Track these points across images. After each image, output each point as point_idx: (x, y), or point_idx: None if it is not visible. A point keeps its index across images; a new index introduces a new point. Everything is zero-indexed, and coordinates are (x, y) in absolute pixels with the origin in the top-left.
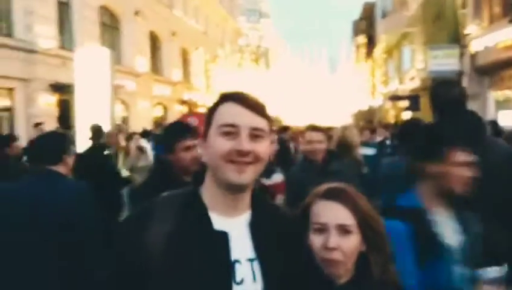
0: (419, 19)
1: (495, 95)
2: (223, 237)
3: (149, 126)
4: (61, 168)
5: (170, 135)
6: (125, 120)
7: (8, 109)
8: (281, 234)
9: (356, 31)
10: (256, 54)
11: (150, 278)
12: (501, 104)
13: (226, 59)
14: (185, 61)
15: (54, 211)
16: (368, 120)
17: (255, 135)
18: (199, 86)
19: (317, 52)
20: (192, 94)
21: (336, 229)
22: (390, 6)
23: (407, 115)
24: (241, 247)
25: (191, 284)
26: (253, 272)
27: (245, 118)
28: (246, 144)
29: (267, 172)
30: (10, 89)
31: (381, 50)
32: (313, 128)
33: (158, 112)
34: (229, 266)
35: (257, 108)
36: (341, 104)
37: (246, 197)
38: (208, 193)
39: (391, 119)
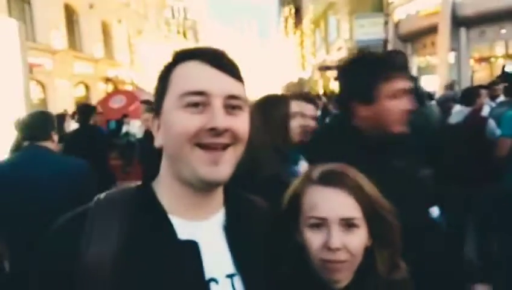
0: None
1: (417, 61)
2: (191, 249)
3: (70, 107)
4: (49, 144)
5: (367, 75)
6: (42, 102)
7: None
8: (264, 236)
9: (283, 2)
10: (184, 27)
11: None
12: (423, 70)
13: (152, 32)
14: (107, 36)
15: (47, 184)
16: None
17: (233, 105)
18: (123, 62)
19: (247, 24)
20: (117, 71)
21: (339, 224)
22: None
23: (335, 85)
24: (217, 260)
25: None
26: None
27: (218, 83)
28: (221, 119)
29: (295, 158)
30: None
31: (309, 21)
32: (305, 97)
33: (80, 92)
34: (202, 288)
35: (233, 69)
36: (272, 76)
37: (219, 193)
38: (166, 190)
39: (320, 89)
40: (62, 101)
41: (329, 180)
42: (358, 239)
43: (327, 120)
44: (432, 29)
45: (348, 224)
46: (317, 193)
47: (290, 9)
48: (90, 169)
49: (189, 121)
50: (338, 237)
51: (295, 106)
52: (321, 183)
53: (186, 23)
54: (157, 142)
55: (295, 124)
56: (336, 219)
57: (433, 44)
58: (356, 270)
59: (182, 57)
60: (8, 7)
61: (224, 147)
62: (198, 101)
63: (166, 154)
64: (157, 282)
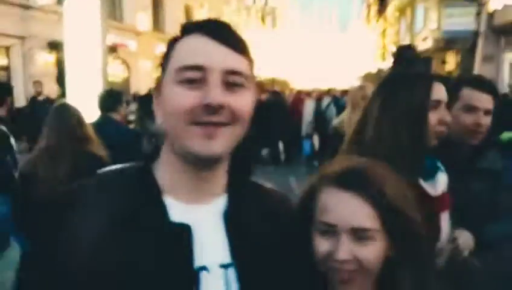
0: None
1: (511, 56)
2: (183, 233)
3: (151, 87)
4: (114, 115)
5: None
6: (125, 81)
7: (5, 68)
8: (271, 230)
9: None
10: (263, 12)
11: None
12: None
13: (231, 17)
14: (189, 19)
15: (109, 144)
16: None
17: (232, 82)
18: None
19: (327, 9)
20: None
21: (350, 233)
22: None
23: None
24: (211, 247)
25: None
26: (228, 285)
27: (216, 56)
28: (216, 95)
29: (430, 168)
30: (6, 47)
31: (394, 8)
32: (480, 82)
33: None
34: (191, 275)
35: (234, 41)
36: (350, 65)
37: (220, 176)
38: (165, 169)
39: None
40: (144, 81)
41: (346, 182)
42: (371, 252)
43: None
44: None
45: (360, 235)
46: (331, 195)
47: None
48: (135, 139)
49: (184, 98)
50: (346, 248)
51: (439, 92)
52: (337, 185)
53: (266, 9)
54: (158, 119)
55: (434, 119)
56: (347, 228)
57: None
58: (378, 284)
59: (185, 30)
60: None
61: (220, 126)
62: (195, 76)
63: (165, 131)
64: (141, 263)
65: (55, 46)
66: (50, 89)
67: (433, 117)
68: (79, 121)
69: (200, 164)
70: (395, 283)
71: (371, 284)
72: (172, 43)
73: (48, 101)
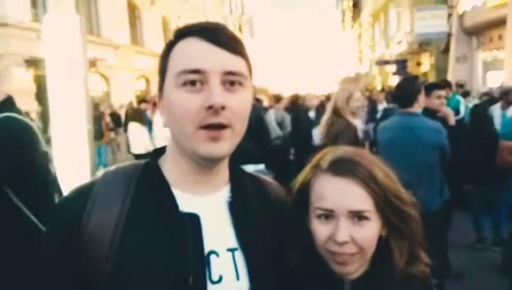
0: None
1: (483, 56)
2: (192, 222)
3: (132, 100)
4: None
5: None
6: (106, 95)
7: None
8: (272, 216)
9: None
10: (240, 22)
11: (92, 282)
12: (489, 65)
13: None
14: (167, 31)
15: None
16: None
17: (231, 81)
18: None
19: (304, 19)
20: None
21: (348, 216)
22: None
23: (394, 80)
24: (218, 233)
25: (151, 287)
26: (236, 267)
27: (214, 59)
28: (218, 96)
29: None
30: None
31: (368, 14)
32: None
33: (141, 85)
34: (202, 260)
35: (231, 43)
36: (328, 71)
37: (223, 169)
38: (172, 165)
39: (378, 85)
40: (124, 93)
41: (339, 169)
42: (368, 232)
43: (378, 115)
44: (500, 22)
45: (357, 217)
46: (326, 183)
47: (348, 2)
48: None
49: (188, 102)
50: (345, 230)
51: None
52: (330, 173)
53: (243, 18)
54: (164, 121)
55: None
56: (344, 211)
57: (500, 38)
58: (371, 261)
59: (181, 34)
60: (76, 4)
61: (223, 127)
62: (195, 79)
63: (171, 132)
64: (157, 252)
65: (32, 63)
66: (29, 106)
67: None
68: None
69: (206, 164)
70: (388, 259)
71: (366, 261)
72: (169, 47)
73: None
